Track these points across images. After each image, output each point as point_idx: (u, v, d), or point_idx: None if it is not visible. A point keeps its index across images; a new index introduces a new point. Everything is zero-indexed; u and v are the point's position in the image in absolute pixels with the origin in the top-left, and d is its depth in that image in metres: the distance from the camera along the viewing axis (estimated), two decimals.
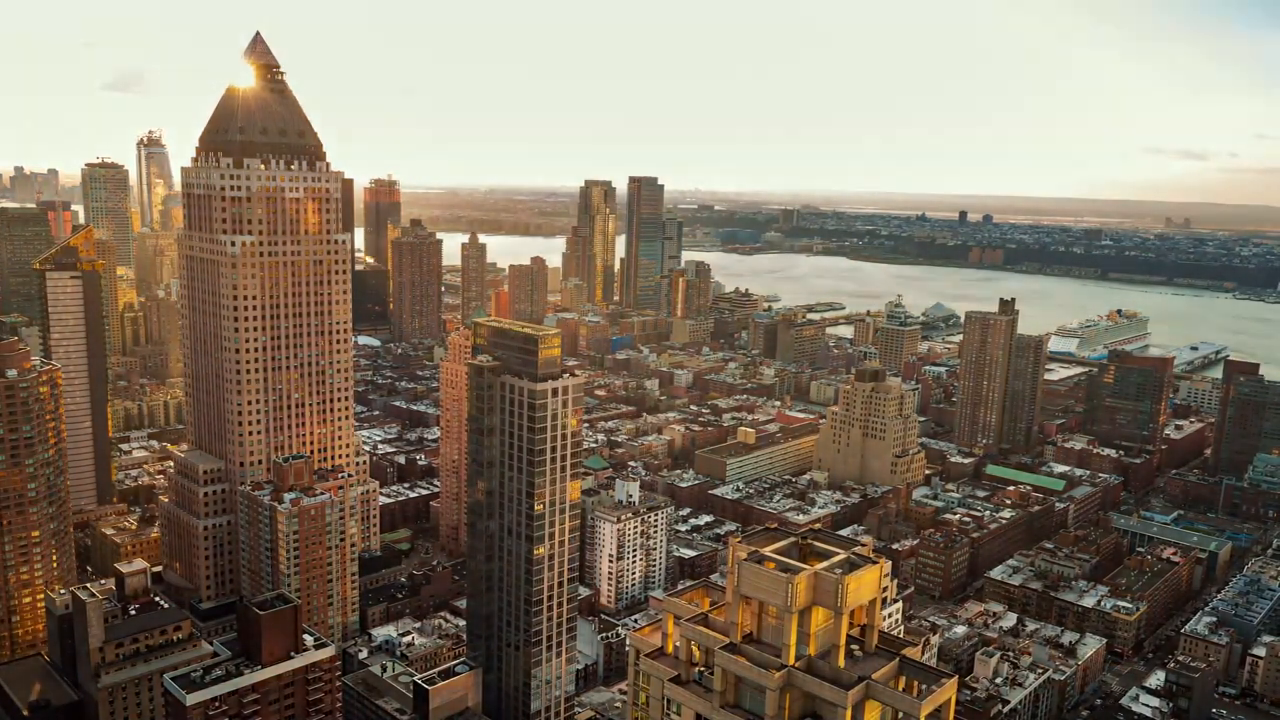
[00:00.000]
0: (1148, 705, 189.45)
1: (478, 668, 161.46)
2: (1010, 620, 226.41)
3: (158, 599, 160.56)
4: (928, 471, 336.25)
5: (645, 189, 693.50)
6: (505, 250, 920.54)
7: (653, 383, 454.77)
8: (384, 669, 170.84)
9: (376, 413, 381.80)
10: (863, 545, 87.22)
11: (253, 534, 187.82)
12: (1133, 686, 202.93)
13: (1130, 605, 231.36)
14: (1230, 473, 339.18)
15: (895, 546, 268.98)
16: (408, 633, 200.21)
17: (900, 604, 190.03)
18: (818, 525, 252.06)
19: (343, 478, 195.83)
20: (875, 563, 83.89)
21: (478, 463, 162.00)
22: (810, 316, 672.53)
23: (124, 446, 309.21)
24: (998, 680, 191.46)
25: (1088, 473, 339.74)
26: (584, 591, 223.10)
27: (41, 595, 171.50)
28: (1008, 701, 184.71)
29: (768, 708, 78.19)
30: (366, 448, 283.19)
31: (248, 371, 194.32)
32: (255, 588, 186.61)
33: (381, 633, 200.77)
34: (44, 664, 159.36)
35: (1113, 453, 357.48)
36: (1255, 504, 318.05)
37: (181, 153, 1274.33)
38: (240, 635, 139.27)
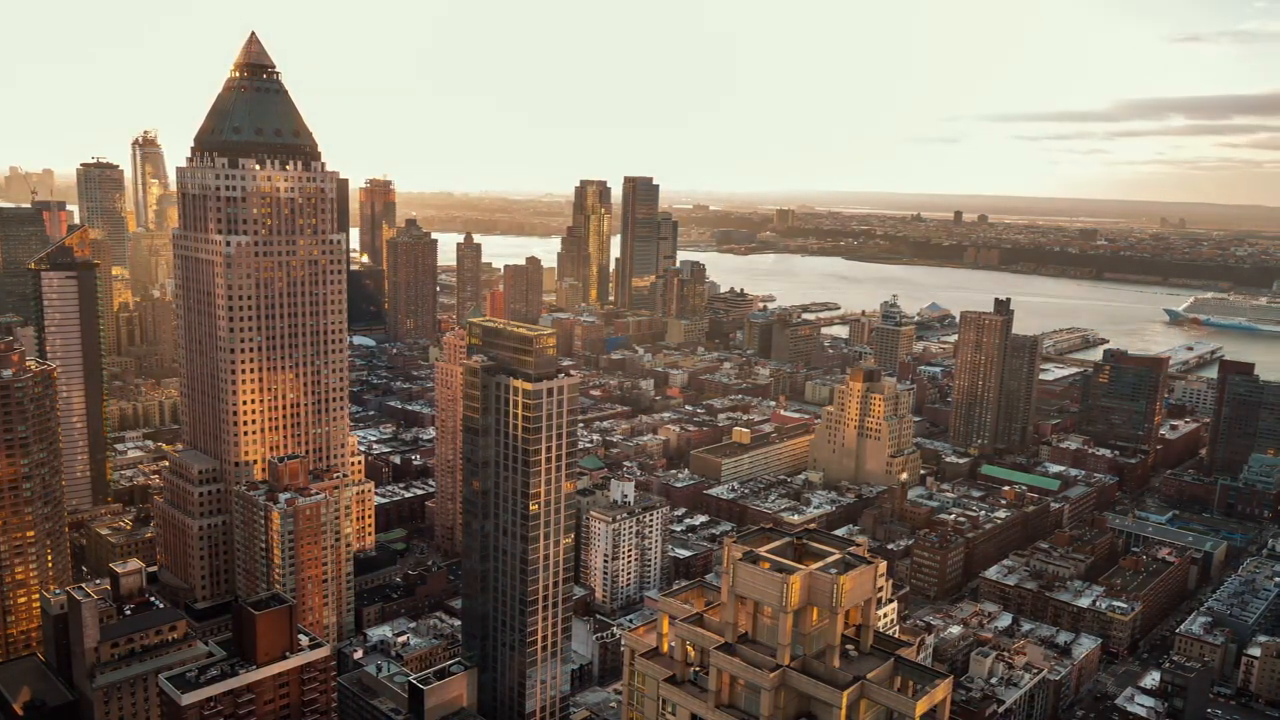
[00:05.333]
0: (1143, 705, 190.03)
1: (473, 668, 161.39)
2: (1005, 620, 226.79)
3: (153, 599, 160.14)
4: (923, 471, 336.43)
5: (640, 189, 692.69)
6: (500, 250, 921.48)
7: (648, 383, 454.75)
8: (379, 669, 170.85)
9: (372, 413, 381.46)
10: (858, 545, 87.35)
11: (248, 534, 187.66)
12: (1128, 686, 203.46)
13: (1125, 605, 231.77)
14: (1225, 473, 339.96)
15: (890, 546, 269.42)
16: (403, 633, 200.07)
17: (895, 604, 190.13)
18: (813, 525, 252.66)
19: (338, 478, 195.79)
20: (870, 563, 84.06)
21: (473, 463, 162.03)
22: (805, 316, 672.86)
23: (119, 446, 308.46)
24: (993, 680, 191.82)
25: (1083, 473, 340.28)
26: (579, 591, 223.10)
27: (37, 595, 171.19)
28: (1003, 701, 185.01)
29: (763, 708, 78.30)
30: (361, 448, 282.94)
31: (243, 371, 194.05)
32: (250, 588, 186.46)
33: (377, 633, 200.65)
34: (39, 664, 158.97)
35: (1108, 453, 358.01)
36: (1250, 504, 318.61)
37: (177, 153, 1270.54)
38: (235, 635, 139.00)
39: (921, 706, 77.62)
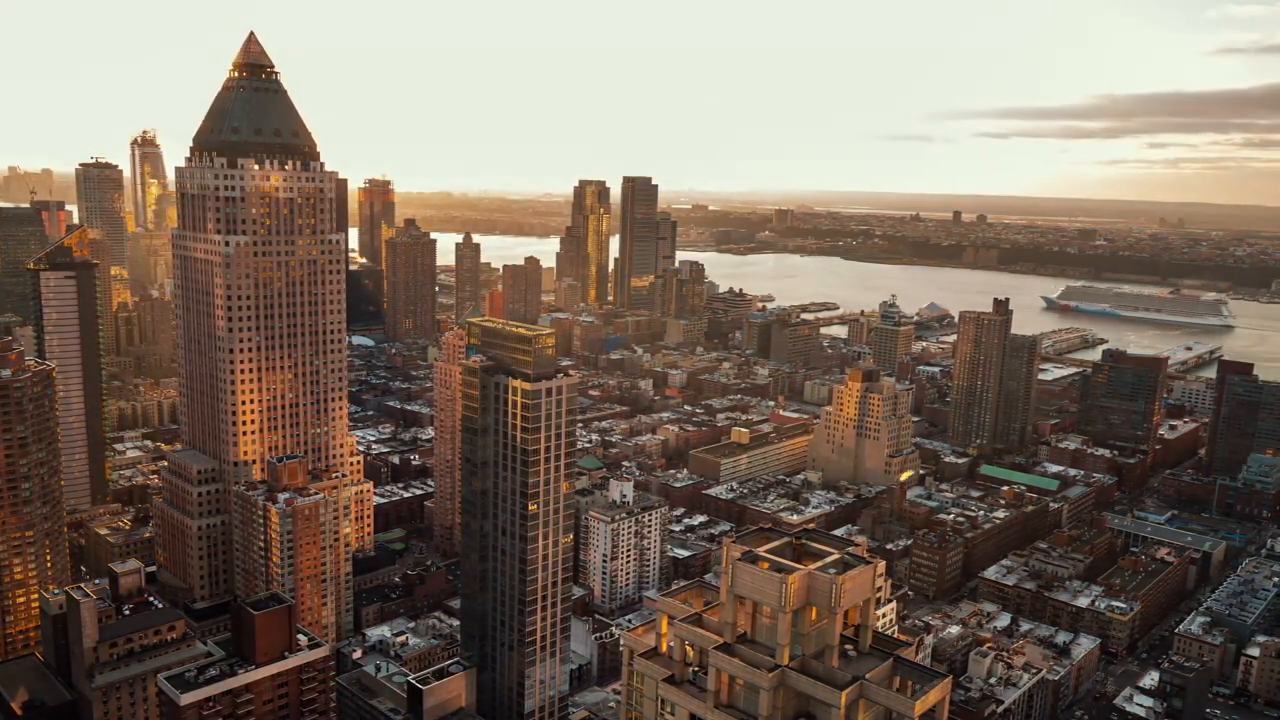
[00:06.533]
0: (1142, 705, 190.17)
1: (472, 668, 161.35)
2: (1004, 620, 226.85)
3: (152, 599, 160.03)
4: (922, 471, 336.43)
5: (639, 189, 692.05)
6: (500, 250, 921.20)
7: (647, 383, 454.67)
8: (378, 669, 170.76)
9: (370, 413, 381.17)
10: (856, 545, 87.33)
11: (246, 534, 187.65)
12: (1127, 686, 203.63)
13: (1124, 605, 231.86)
14: (1224, 473, 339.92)
15: (889, 546, 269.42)
16: (402, 633, 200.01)
17: (894, 604, 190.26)
18: (811, 525, 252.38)
19: (337, 478, 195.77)
20: (869, 563, 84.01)
21: (472, 462, 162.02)
22: (804, 316, 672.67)
23: (118, 446, 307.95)
24: (992, 680, 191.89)
25: (1082, 473, 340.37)
26: (578, 591, 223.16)
27: (36, 595, 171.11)
28: (1002, 702, 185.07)
29: (761, 708, 78.27)
30: (360, 448, 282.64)
31: (241, 371, 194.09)
32: (249, 588, 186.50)
33: (376, 633, 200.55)
34: (38, 664, 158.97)
35: (1107, 453, 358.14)
36: (1249, 504, 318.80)
37: (176, 153, 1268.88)
38: (234, 635, 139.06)
39: (920, 706, 77.60)
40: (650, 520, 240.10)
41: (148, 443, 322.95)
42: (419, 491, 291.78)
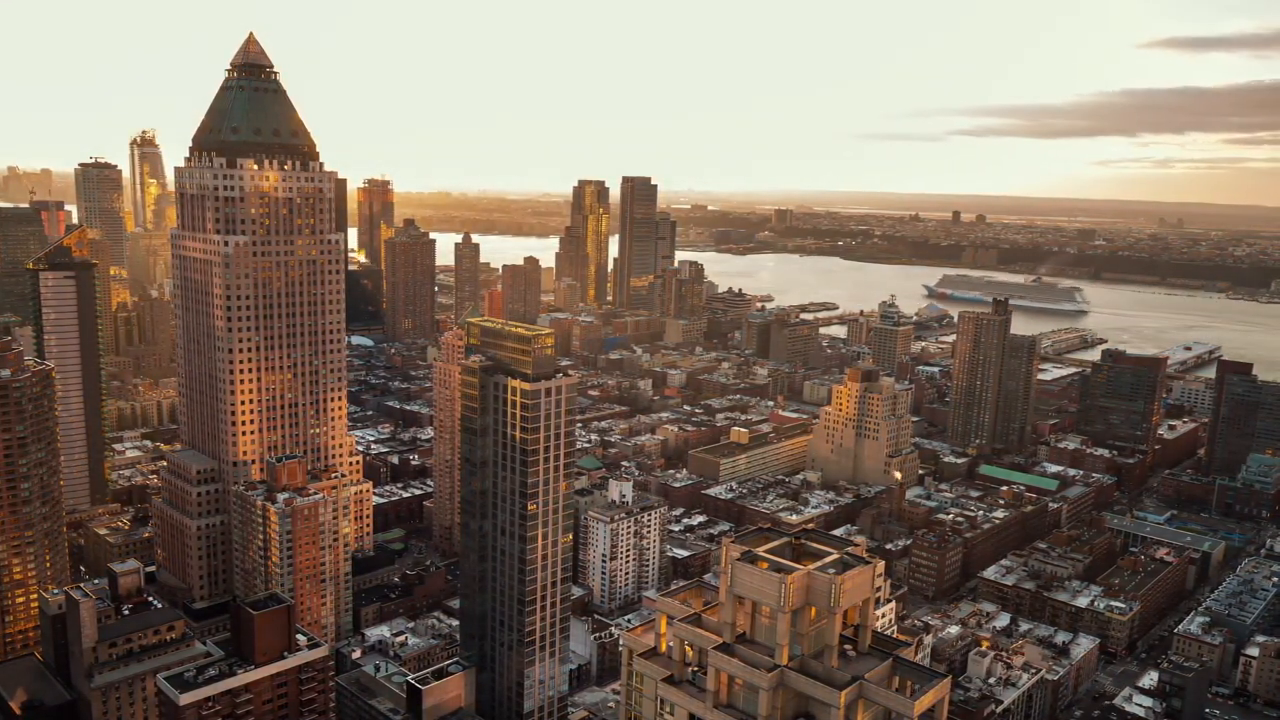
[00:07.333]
0: (1141, 705, 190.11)
1: (471, 668, 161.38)
2: (1003, 620, 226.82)
3: (151, 599, 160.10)
4: (921, 471, 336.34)
5: (639, 189, 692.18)
6: (499, 250, 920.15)
7: (646, 383, 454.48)
8: (377, 669, 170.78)
9: (370, 413, 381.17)
10: (856, 545, 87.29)
11: (246, 534, 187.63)
12: (1126, 686, 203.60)
13: (1124, 605, 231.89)
14: (1223, 473, 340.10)
15: (889, 546, 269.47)
16: (401, 633, 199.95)
17: (893, 604, 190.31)
18: (811, 525, 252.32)
19: (336, 477, 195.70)
20: (868, 563, 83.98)
21: (471, 462, 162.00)
22: (804, 316, 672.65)
23: (117, 446, 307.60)
24: (991, 680, 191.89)
25: (1081, 473, 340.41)
26: (577, 591, 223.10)
27: (35, 595, 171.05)
28: (1001, 702, 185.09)
29: (761, 708, 78.29)
30: (360, 448, 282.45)
31: (241, 371, 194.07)
32: (248, 588, 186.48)
33: (375, 633, 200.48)
34: (37, 664, 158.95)
35: (1106, 453, 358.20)
36: (1248, 504, 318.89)
37: (175, 152, 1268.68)
38: (233, 635, 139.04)
39: (919, 706, 77.61)
40: (649, 520, 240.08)
41: (147, 443, 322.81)
42: (418, 491, 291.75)
